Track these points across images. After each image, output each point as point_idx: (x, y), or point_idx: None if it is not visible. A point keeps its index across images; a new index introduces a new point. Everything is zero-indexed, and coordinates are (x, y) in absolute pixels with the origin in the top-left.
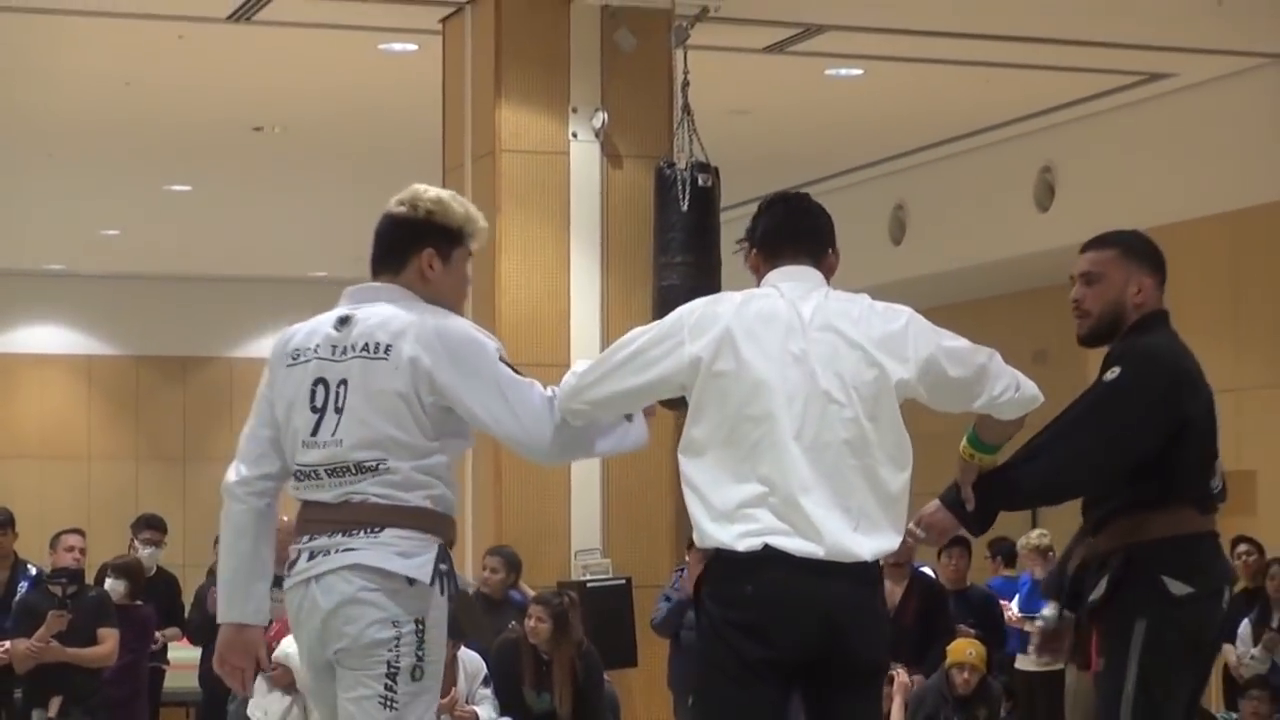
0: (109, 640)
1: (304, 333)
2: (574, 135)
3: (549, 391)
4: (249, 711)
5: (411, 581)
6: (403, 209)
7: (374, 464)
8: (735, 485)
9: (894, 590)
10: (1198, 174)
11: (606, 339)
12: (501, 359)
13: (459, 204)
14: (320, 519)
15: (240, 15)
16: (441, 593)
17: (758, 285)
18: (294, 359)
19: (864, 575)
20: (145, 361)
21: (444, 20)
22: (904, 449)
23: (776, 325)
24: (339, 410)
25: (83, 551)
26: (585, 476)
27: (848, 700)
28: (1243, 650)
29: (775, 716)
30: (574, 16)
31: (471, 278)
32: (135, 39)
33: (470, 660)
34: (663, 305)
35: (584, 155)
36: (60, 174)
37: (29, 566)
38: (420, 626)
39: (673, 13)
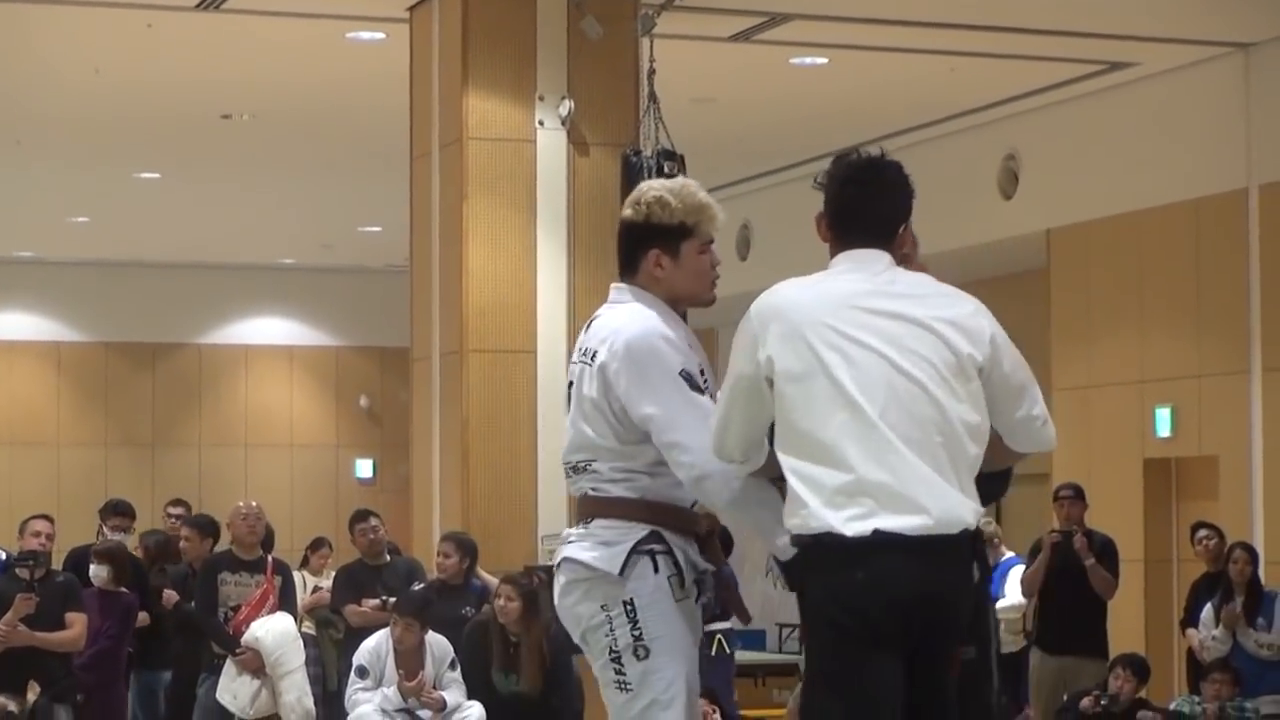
0: (77, 624)
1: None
2: (540, 123)
3: None
4: (218, 695)
5: (608, 570)
6: (628, 212)
7: (584, 465)
8: (832, 471)
9: None
10: (1160, 162)
11: (573, 325)
12: (683, 374)
13: (681, 198)
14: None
15: (208, 4)
16: (655, 571)
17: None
18: (574, 359)
19: (964, 547)
20: (114, 348)
21: (411, 9)
22: (984, 428)
23: (845, 311)
24: (569, 413)
25: (49, 537)
26: (551, 462)
27: (944, 669)
28: (1205, 634)
29: (896, 693)
30: (540, 5)
31: (718, 259)
32: (104, 27)
33: (438, 644)
34: None
35: (551, 143)
36: (29, 161)
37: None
38: (630, 607)
39: (639, 1)
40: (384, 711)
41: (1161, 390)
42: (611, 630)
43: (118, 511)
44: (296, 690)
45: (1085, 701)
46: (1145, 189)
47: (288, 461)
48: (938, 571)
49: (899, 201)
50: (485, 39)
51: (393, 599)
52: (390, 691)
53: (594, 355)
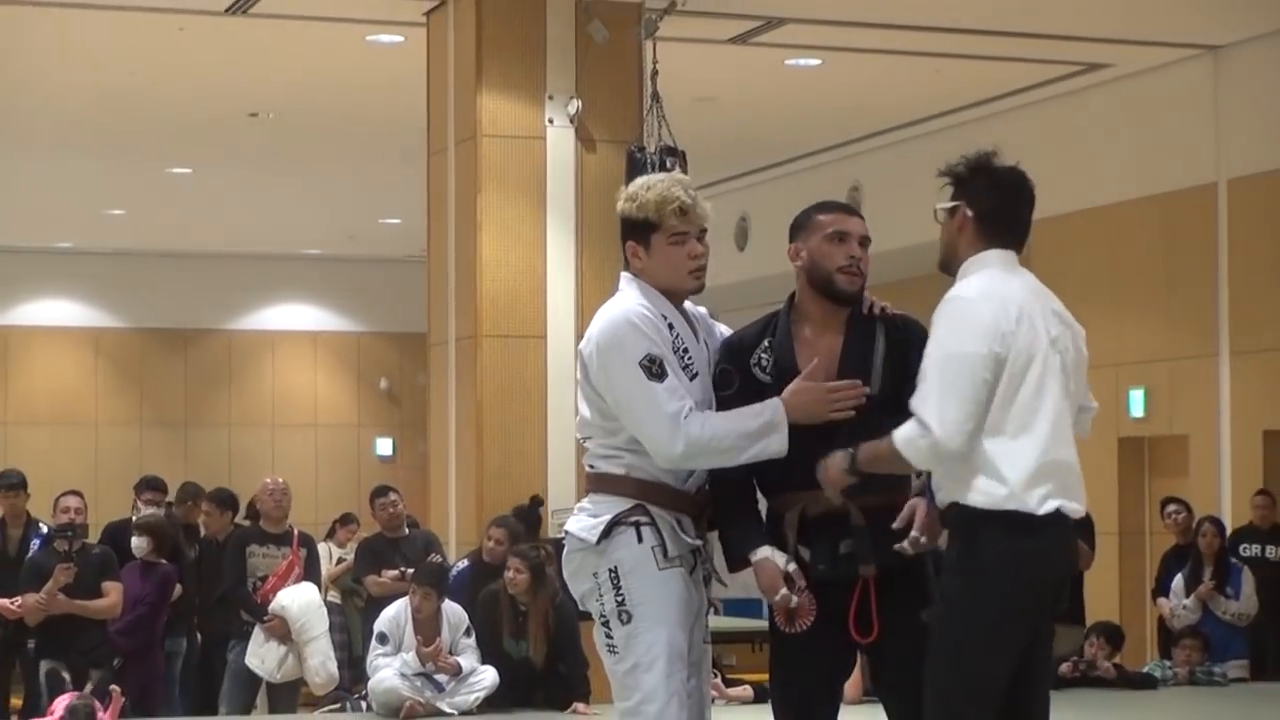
0: (113, 593)
1: None
2: (550, 121)
3: (682, 405)
4: (247, 659)
5: (588, 539)
6: (617, 207)
7: (584, 441)
8: (1033, 451)
9: None
10: (1134, 157)
11: (581, 312)
12: (644, 361)
13: (652, 192)
14: None
15: (237, 8)
16: (639, 541)
17: (969, 250)
18: None
19: None
20: (149, 334)
21: (428, 13)
22: None
23: (1031, 306)
24: None
25: (78, 511)
26: (561, 440)
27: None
28: (1175, 603)
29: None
30: (550, 9)
31: (699, 250)
32: (139, 31)
33: (453, 613)
34: None
35: (560, 140)
36: (68, 157)
37: (40, 525)
38: (614, 574)
39: (643, 6)
40: (403, 675)
41: (1135, 373)
42: (600, 596)
43: (150, 487)
44: (320, 655)
45: (1064, 667)
46: (1120, 183)
47: (312, 440)
48: (1074, 553)
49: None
50: (498, 42)
51: (411, 570)
52: (409, 656)
53: (586, 339)
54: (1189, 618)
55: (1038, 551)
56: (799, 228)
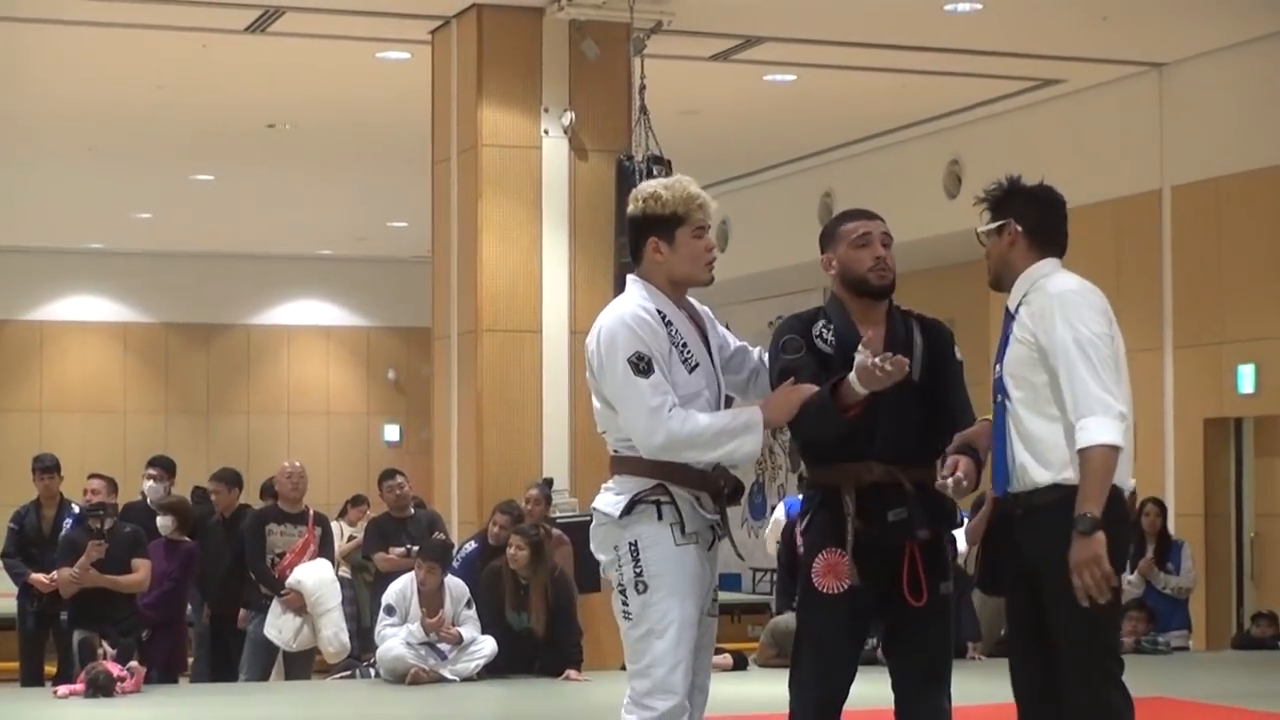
0: (142, 569)
1: None
2: (545, 132)
3: (664, 400)
4: (265, 630)
5: (611, 513)
6: (630, 208)
7: (602, 432)
8: (1129, 433)
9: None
10: (1084, 166)
11: (574, 310)
12: (631, 359)
13: (672, 190)
14: None
15: (256, 27)
16: (659, 518)
17: (1025, 262)
18: None
19: None
20: (174, 328)
21: (433, 32)
22: None
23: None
24: None
25: (95, 492)
26: (555, 427)
27: None
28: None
29: None
30: (546, 28)
31: (713, 244)
32: (165, 48)
33: (455, 586)
34: (622, 281)
35: (554, 150)
36: (99, 165)
37: (73, 505)
38: (634, 547)
39: (631, 25)
40: (409, 644)
41: None
42: (620, 567)
43: (153, 464)
44: (334, 626)
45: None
46: (1071, 190)
47: (325, 427)
48: None
49: None
50: (497, 59)
51: (416, 547)
52: (414, 627)
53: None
54: (1133, 592)
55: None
56: (828, 239)
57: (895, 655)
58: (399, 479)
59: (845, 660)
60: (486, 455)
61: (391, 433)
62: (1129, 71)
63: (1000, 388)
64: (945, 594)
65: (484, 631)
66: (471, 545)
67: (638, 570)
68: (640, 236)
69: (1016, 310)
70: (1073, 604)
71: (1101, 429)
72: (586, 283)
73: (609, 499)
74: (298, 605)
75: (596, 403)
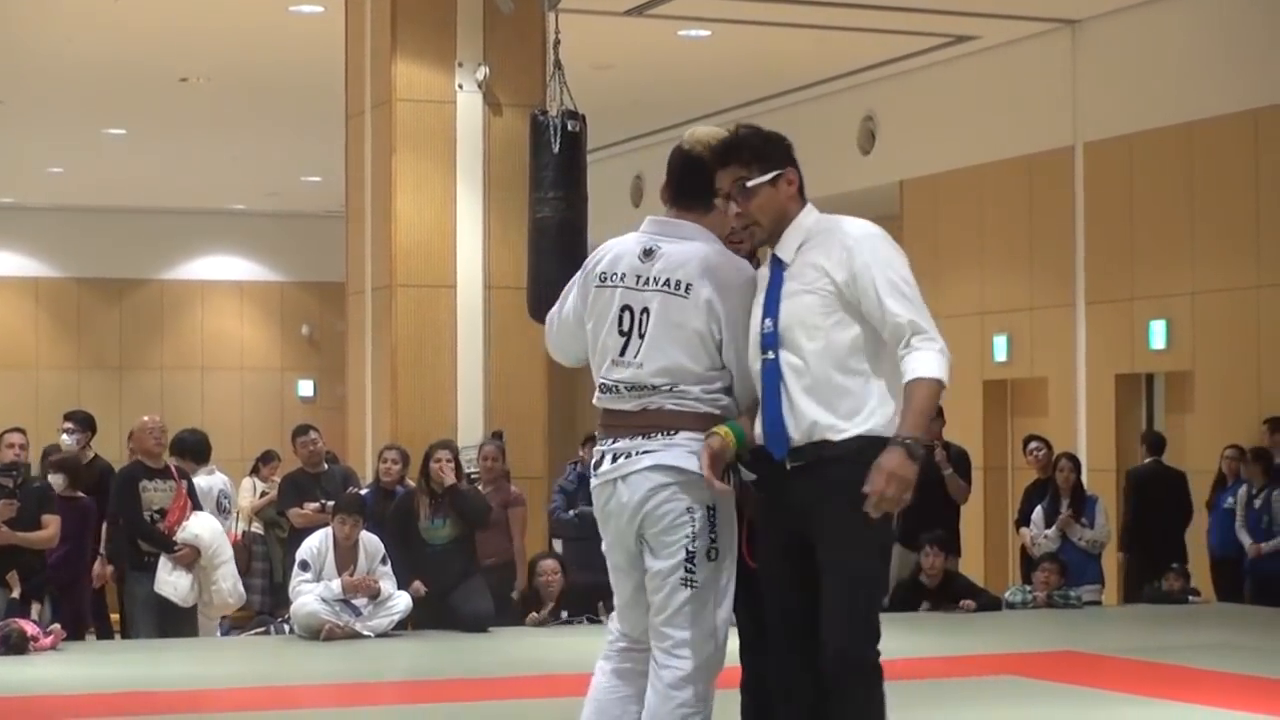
0: (51, 525)
1: (610, 256)
2: (460, 86)
3: None
4: (158, 588)
5: (697, 472)
6: (700, 149)
7: (668, 386)
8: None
9: None
10: (998, 123)
11: (488, 265)
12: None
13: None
14: (621, 424)
15: None
16: (730, 483)
17: (798, 208)
18: (602, 281)
19: None
20: (86, 283)
21: None
22: None
23: None
24: (642, 336)
25: (23, 448)
26: (469, 382)
27: None
28: (1036, 532)
29: None
30: None
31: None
32: (75, 0)
33: (370, 542)
34: (537, 235)
35: (468, 104)
36: (10, 119)
37: None
38: (711, 513)
39: None
40: (323, 600)
41: (999, 321)
42: (693, 530)
43: (69, 418)
44: (231, 578)
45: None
46: (986, 146)
47: (239, 382)
48: None
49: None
50: (411, 13)
51: (330, 502)
52: (333, 584)
53: (687, 286)
54: (1048, 546)
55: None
56: None
57: (741, 610)
58: (312, 434)
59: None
60: (401, 410)
61: (306, 388)
62: (1043, 28)
63: (772, 342)
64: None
65: (401, 563)
66: (365, 491)
67: (712, 537)
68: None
69: (793, 259)
70: (846, 564)
71: (930, 363)
72: (501, 237)
73: (685, 457)
74: (191, 560)
75: (684, 359)
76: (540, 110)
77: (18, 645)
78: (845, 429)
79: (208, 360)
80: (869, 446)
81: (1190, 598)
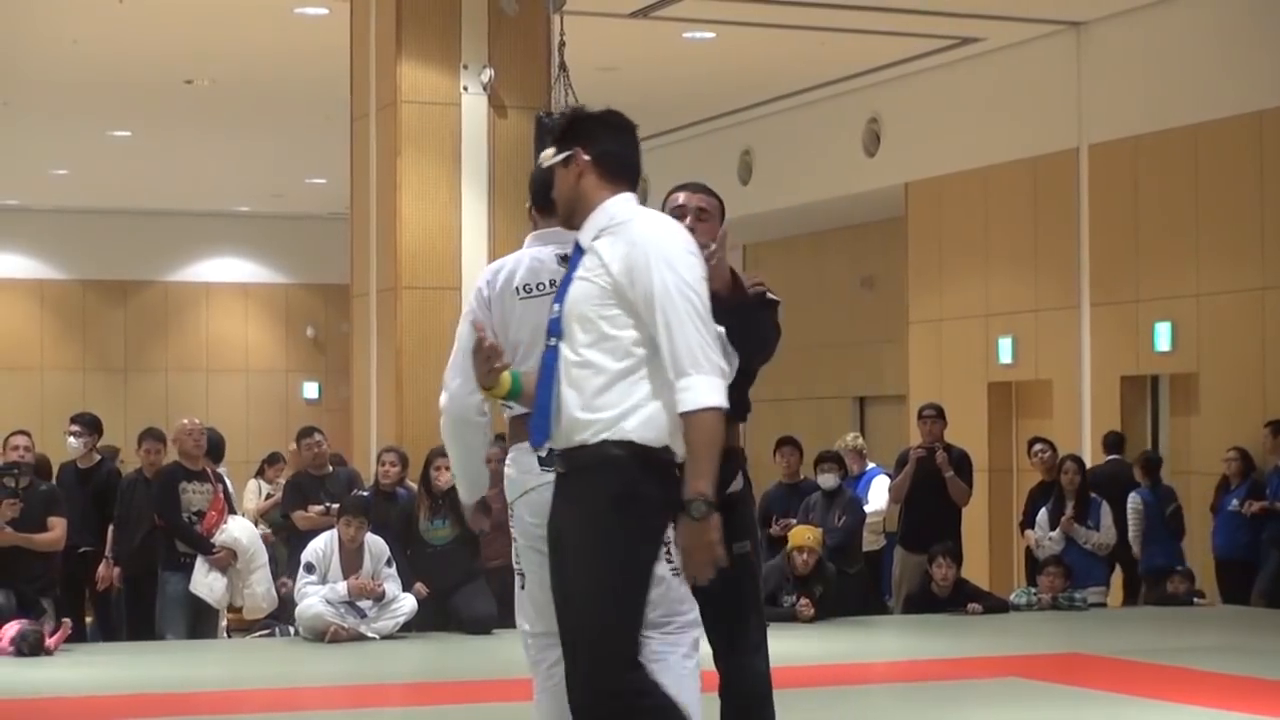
0: (57, 527)
1: (523, 270)
2: (465, 89)
3: None
4: (193, 588)
5: None
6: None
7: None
8: None
9: None
10: (1003, 125)
11: None
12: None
13: None
14: None
15: None
16: None
17: (598, 194)
18: (526, 293)
19: None
20: (91, 285)
21: None
22: None
23: None
24: None
25: (27, 449)
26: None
27: None
28: (1040, 534)
29: None
30: None
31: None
32: (80, 2)
33: (375, 544)
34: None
35: (473, 106)
36: (16, 121)
37: None
38: None
39: None
40: (328, 602)
41: (1003, 323)
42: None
43: (75, 420)
44: (265, 582)
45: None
46: (991, 148)
47: (244, 384)
48: None
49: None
50: (416, 15)
51: (335, 505)
52: (339, 586)
53: None
54: (1053, 548)
55: (666, 490)
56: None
57: (705, 616)
58: (317, 436)
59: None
60: (405, 412)
61: (310, 390)
62: (1048, 30)
63: (556, 329)
64: (739, 554)
65: (407, 553)
66: (364, 494)
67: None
68: None
69: (590, 246)
70: (583, 585)
71: (708, 390)
72: (505, 239)
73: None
74: (228, 563)
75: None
76: (545, 112)
77: (34, 645)
78: (603, 432)
79: (212, 362)
80: (626, 455)
81: (1195, 600)
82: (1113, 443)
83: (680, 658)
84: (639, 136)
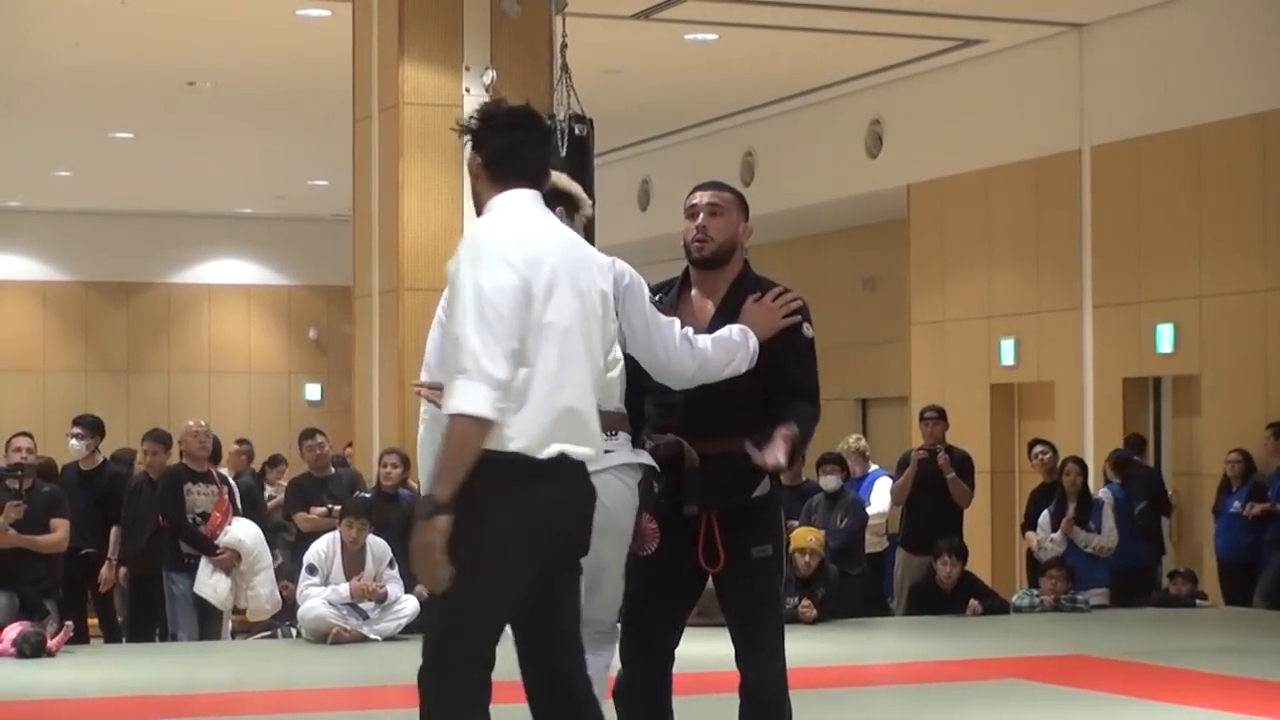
0: (60, 529)
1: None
2: (467, 90)
3: None
4: (197, 589)
5: None
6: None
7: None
8: None
9: None
10: (1005, 126)
11: None
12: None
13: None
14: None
15: None
16: None
17: (489, 193)
18: None
19: None
20: (93, 287)
21: None
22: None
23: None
24: None
25: (30, 451)
26: None
27: None
28: (1042, 536)
29: None
30: None
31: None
32: (82, 4)
33: (378, 546)
34: None
35: (475, 108)
36: (18, 123)
37: None
38: None
39: None
40: (331, 604)
41: (1006, 324)
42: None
43: (77, 423)
44: (269, 584)
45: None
46: (993, 149)
47: (246, 386)
48: None
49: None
50: (418, 16)
51: (337, 507)
52: (342, 588)
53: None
54: (1055, 550)
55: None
56: None
57: (728, 621)
58: (319, 438)
59: (661, 616)
60: (408, 414)
61: (313, 392)
62: (1050, 32)
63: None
64: (758, 558)
65: (406, 563)
66: (366, 495)
67: None
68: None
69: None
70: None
71: (467, 395)
72: None
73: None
74: (232, 564)
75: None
76: (547, 114)
77: (37, 647)
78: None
79: (215, 364)
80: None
81: (1197, 601)
82: (1134, 445)
83: None
84: (542, 129)
